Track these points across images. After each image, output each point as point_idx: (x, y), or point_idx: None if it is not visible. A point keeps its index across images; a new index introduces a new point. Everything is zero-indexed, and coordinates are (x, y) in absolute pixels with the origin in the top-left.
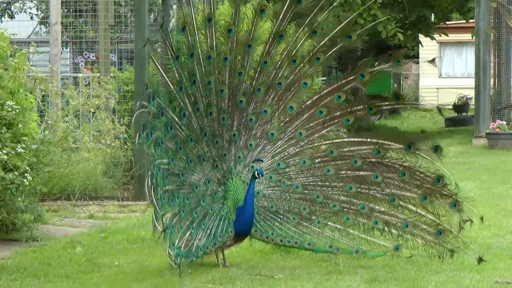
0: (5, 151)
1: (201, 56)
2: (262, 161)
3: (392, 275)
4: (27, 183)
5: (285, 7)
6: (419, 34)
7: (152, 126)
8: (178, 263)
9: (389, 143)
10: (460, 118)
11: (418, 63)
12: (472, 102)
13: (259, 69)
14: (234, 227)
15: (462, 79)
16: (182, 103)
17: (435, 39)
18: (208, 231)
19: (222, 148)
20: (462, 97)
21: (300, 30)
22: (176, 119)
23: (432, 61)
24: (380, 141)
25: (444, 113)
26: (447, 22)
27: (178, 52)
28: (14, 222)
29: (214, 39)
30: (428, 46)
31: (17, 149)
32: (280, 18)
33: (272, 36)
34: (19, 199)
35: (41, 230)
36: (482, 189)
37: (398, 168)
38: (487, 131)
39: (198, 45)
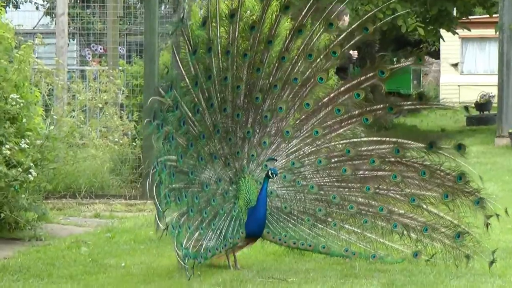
0: (8, 147)
1: (220, 51)
2: (276, 160)
3: (410, 279)
4: (31, 180)
5: (309, 3)
6: (441, 29)
7: (164, 118)
8: (186, 264)
9: (410, 142)
10: (482, 117)
11: (439, 59)
12: (495, 100)
13: (277, 65)
14: (245, 228)
15: (485, 76)
16: (196, 99)
17: (457, 34)
18: (218, 232)
19: (235, 146)
20: (485, 95)
21: (318, 23)
22: (190, 114)
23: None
24: (400, 140)
25: (470, 112)
26: (470, 17)
27: (196, 46)
28: (17, 220)
29: (236, 34)
30: (450, 42)
31: (21, 144)
32: (302, 14)
33: (292, 31)
34: (23, 196)
35: (45, 229)
36: (505, 190)
37: (418, 167)
38: (510, 131)
39: (218, 40)
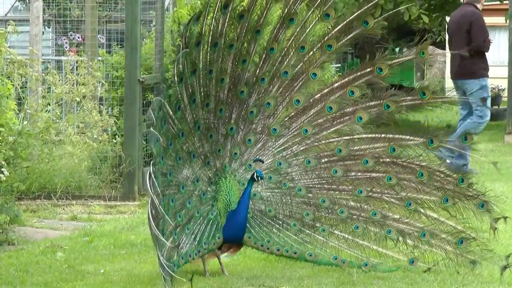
0: None
1: (209, 44)
2: (263, 162)
3: (412, 287)
4: (3, 179)
5: None
6: (446, 17)
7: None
8: (171, 276)
9: (407, 137)
10: (491, 112)
11: (444, 49)
12: (505, 94)
13: (264, 56)
14: (223, 233)
15: (494, 68)
16: (179, 95)
17: None
18: (193, 237)
19: (217, 143)
20: (494, 88)
21: (310, 12)
22: (171, 113)
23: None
24: (397, 136)
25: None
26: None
27: (188, 43)
28: None
29: (225, 25)
30: None
31: None
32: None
33: (282, 19)
34: None
35: (17, 232)
36: None
37: (415, 168)
38: None
39: (209, 33)
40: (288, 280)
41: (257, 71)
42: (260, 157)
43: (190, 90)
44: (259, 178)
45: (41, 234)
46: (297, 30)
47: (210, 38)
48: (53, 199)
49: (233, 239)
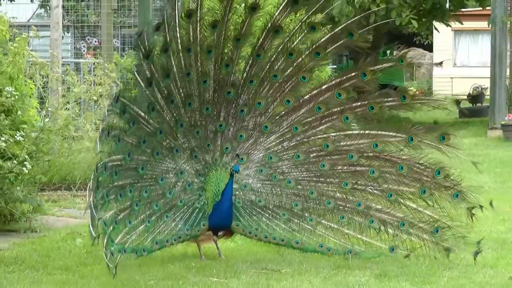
0: (3, 139)
1: (180, 50)
2: (241, 158)
3: (402, 270)
4: (26, 172)
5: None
6: (434, 22)
7: (110, 126)
8: (115, 264)
9: (390, 133)
10: (474, 109)
11: (432, 51)
12: (488, 92)
13: (250, 61)
14: (208, 221)
15: (478, 69)
16: (152, 98)
17: (450, 26)
18: (173, 224)
19: (206, 139)
20: (477, 87)
21: (297, 26)
22: (143, 114)
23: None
24: (380, 132)
25: (461, 105)
26: (463, 9)
27: (149, 51)
28: (13, 212)
29: (197, 33)
30: (442, 34)
31: (16, 137)
32: (275, 16)
33: (266, 31)
34: (18, 188)
35: (40, 220)
36: (497, 182)
37: (396, 161)
38: (502, 123)
39: (178, 40)
40: (289, 264)
41: (244, 74)
42: (238, 153)
43: (166, 92)
44: (235, 172)
45: (62, 222)
46: (285, 40)
47: (180, 45)
48: (72, 190)
49: (219, 226)
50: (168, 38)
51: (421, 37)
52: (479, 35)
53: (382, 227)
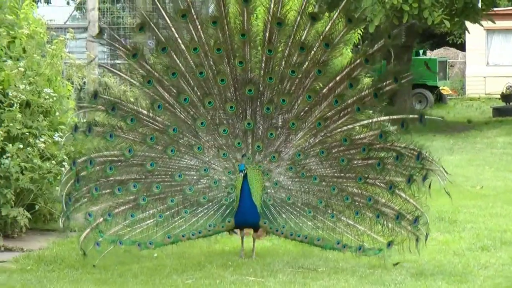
0: (42, 140)
1: (181, 49)
2: (247, 157)
3: (439, 269)
4: (65, 172)
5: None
6: (466, 21)
7: (90, 124)
8: (101, 254)
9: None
10: (508, 108)
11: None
12: None
13: (264, 58)
14: (235, 218)
15: (510, 68)
16: (156, 95)
17: (482, 25)
18: (194, 219)
19: (235, 137)
20: (510, 86)
21: (299, 16)
22: (144, 111)
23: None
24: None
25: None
26: (495, 9)
27: (136, 51)
28: (52, 212)
29: (198, 31)
30: (475, 34)
31: (54, 137)
32: (270, 5)
33: (269, 23)
34: (57, 188)
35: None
36: None
37: (398, 151)
38: None
39: (179, 40)
40: (325, 262)
41: (261, 71)
42: (244, 153)
43: (175, 91)
44: (241, 172)
45: None
46: (291, 32)
47: (182, 44)
48: None
49: (245, 224)
50: (161, 37)
51: (454, 36)
52: (511, 34)
53: (385, 222)
